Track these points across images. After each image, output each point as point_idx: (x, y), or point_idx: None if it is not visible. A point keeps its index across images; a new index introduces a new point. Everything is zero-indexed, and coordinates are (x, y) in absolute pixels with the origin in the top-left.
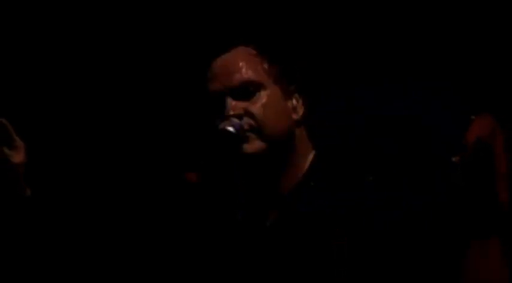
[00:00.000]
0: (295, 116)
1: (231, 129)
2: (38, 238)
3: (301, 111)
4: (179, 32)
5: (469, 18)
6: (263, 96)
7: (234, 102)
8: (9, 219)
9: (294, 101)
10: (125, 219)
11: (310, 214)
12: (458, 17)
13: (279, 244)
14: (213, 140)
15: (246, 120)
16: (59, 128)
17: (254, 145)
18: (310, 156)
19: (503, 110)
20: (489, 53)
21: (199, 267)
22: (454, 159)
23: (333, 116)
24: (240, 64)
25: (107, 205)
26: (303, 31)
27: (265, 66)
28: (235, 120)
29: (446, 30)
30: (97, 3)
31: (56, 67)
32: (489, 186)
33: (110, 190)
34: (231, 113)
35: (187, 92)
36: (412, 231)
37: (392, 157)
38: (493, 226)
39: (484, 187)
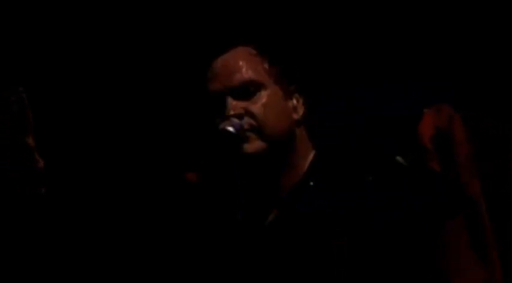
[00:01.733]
0: (295, 116)
1: (231, 129)
2: (45, 236)
3: (301, 111)
4: (179, 32)
5: (469, 18)
6: (263, 96)
7: (234, 102)
8: (25, 216)
9: (294, 101)
10: (125, 219)
11: (310, 214)
12: (458, 16)
13: (279, 244)
14: (213, 140)
15: (247, 120)
16: (58, 129)
17: (254, 145)
18: (310, 156)
19: (503, 109)
20: (489, 52)
21: (199, 267)
22: (397, 158)
23: (333, 116)
24: (240, 64)
25: (106, 205)
26: (303, 31)
27: (266, 66)
28: (236, 120)
29: (446, 30)
30: (97, 3)
31: (56, 67)
32: (452, 176)
33: (110, 190)
34: (231, 112)
35: (187, 92)
36: (412, 231)
37: (392, 157)
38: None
39: (447, 178)
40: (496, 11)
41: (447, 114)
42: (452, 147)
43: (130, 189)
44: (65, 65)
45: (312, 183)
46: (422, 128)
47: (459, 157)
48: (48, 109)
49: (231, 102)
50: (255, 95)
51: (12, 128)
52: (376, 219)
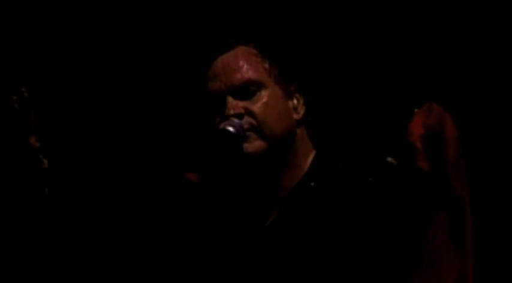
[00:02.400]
0: (295, 116)
1: (231, 129)
2: (47, 236)
3: (301, 111)
4: (179, 32)
5: (469, 18)
6: (264, 96)
7: (234, 102)
8: (28, 217)
9: (295, 101)
10: (125, 219)
11: (310, 214)
12: (456, 16)
13: (279, 244)
14: (213, 139)
15: (247, 119)
16: (57, 128)
17: (254, 144)
18: (311, 156)
19: (503, 109)
20: (489, 53)
21: (199, 267)
22: (389, 159)
23: (333, 116)
24: (241, 63)
25: (106, 205)
26: (303, 31)
27: (266, 65)
28: (236, 120)
29: (444, 30)
30: (97, 3)
31: (57, 67)
32: (441, 176)
33: (110, 190)
34: (232, 112)
35: (187, 91)
36: (412, 231)
37: (384, 157)
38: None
39: (436, 177)
40: (494, 11)
41: (437, 113)
42: (443, 146)
43: (131, 189)
44: (67, 66)
45: (312, 184)
46: (412, 128)
47: (449, 157)
48: (51, 109)
49: (231, 101)
50: (255, 94)
51: (14, 127)
52: (376, 219)
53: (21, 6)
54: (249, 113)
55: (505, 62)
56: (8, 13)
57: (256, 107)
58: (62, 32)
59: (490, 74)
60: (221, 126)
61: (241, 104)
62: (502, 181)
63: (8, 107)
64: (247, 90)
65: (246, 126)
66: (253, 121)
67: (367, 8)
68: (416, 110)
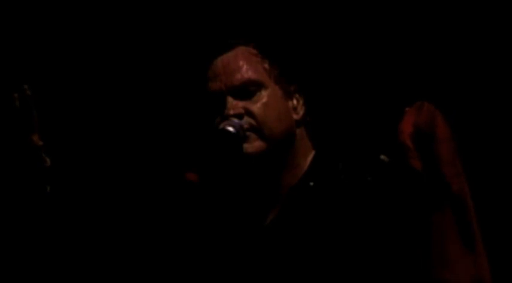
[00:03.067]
0: (295, 116)
1: (230, 129)
2: (49, 235)
3: (301, 111)
4: (179, 32)
5: (460, 17)
6: (264, 96)
7: (234, 102)
8: (30, 215)
9: (295, 101)
10: (124, 219)
11: (310, 214)
12: (447, 16)
13: (279, 244)
14: (213, 139)
15: (247, 119)
16: (59, 126)
17: (254, 144)
18: (310, 156)
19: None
20: (481, 51)
21: (200, 266)
22: (382, 157)
23: (333, 116)
24: (241, 63)
25: (107, 204)
26: (302, 31)
27: (266, 65)
28: (235, 120)
29: (438, 29)
30: (97, 3)
31: (59, 65)
32: (435, 174)
33: (110, 189)
34: (231, 112)
35: (187, 92)
36: (413, 230)
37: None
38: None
39: (430, 175)
40: (485, 9)
41: (428, 112)
42: (435, 144)
43: (131, 189)
44: (69, 64)
45: (311, 184)
46: (403, 126)
47: (442, 155)
48: (53, 108)
49: (231, 101)
50: (255, 94)
51: (16, 126)
52: (375, 219)
53: (22, 5)
54: (249, 113)
55: (497, 60)
56: (9, 13)
57: (256, 107)
58: (64, 30)
59: (482, 72)
60: (221, 126)
61: (241, 104)
62: (499, 180)
63: (10, 104)
64: (247, 90)
65: (245, 126)
66: (253, 121)
67: (364, 10)
68: (407, 109)
